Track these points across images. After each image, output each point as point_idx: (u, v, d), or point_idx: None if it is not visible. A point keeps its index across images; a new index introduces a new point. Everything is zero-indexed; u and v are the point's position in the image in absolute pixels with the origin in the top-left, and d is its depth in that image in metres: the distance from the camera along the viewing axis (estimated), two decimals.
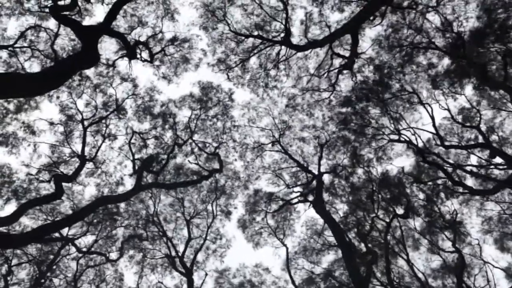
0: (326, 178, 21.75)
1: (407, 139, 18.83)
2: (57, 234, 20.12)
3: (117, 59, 17.85)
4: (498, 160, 17.92)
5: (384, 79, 17.79)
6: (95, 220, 21.44)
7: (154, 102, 20.14)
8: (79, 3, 14.65)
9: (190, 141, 20.92)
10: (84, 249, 21.69)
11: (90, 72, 18.73)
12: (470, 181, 20.34)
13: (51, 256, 21.55)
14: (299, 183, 22.32)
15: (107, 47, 17.82)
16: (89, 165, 20.05)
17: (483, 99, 18.42)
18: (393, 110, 18.79)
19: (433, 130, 18.40)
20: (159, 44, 18.06)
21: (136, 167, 19.42)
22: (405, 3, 16.35)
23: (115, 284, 23.11)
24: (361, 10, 15.15)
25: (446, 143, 18.84)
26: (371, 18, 16.05)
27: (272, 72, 18.85)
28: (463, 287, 17.84)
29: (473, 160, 19.63)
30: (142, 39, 17.17)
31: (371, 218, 20.01)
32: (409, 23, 16.84)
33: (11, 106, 18.72)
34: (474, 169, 19.23)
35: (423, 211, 19.70)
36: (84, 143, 18.43)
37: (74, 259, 22.19)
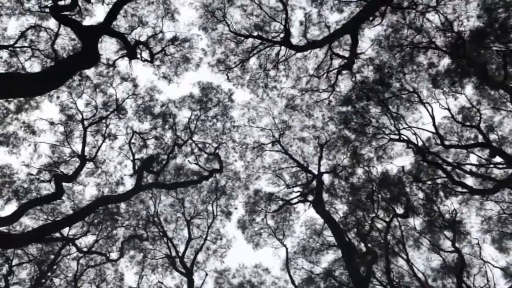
0: (326, 178, 21.82)
1: (407, 139, 18.84)
2: (57, 234, 20.16)
3: (117, 59, 17.91)
4: (498, 159, 17.95)
5: (384, 78, 17.81)
6: (95, 220, 21.47)
7: (154, 102, 20.19)
8: (79, 3, 14.69)
9: (190, 141, 20.95)
10: (85, 249, 21.72)
11: (90, 72, 18.80)
12: (470, 181, 20.40)
13: (52, 256, 21.58)
14: (299, 183, 22.36)
15: (107, 47, 17.89)
16: (89, 165, 20.11)
17: (483, 99, 18.42)
18: (393, 109, 18.81)
19: (433, 130, 18.46)
20: (159, 44, 18.10)
21: (136, 167, 19.44)
22: (405, 3, 16.37)
23: (116, 284, 23.14)
24: (360, 11, 15.17)
25: (446, 143, 18.85)
26: (371, 18, 16.07)
27: (272, 73, 18.93)
28: (462, 287, 17.83)
29: (473, 159, 19.65)
30: (143, 39, 17.22)
31: (371, 218, 20.02)
32: (409, 23, 16.86)
33: (12, 106, 18.77)
34: (474, 168, 19.25)
35: (422, 211, 19.70)
36: (84, 143, 18.47)
37: (74, 259, 22.22)
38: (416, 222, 20.72)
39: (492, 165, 18.57)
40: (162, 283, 23.27)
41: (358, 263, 17.45)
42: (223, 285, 24.18)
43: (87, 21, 16.75)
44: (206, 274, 23.31)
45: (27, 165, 19.49)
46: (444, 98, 18.34)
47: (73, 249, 21.76)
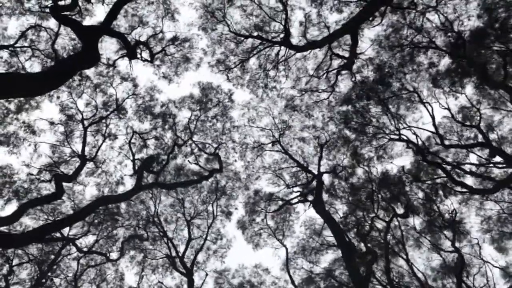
0: (326, 178, 21.83)
1: (407, 139, 18.85)
2: (58, 234, 20.19)
3: (117, 59, 17.93)
4: (497, 159, 17.96)
5: (384, 78, 17.81)
6: (96, 220, 21.49)
7: (154, 102, 20.20)
8: (80, 3, 14.71)
9: (190, 141, 20.96)
10: (85, 249, 21.74)
11: (90, 72, 18.81)
12: (469, 181, 20.39)
13: (52, 256, 21.59)
14: (299, 183, 22.36)
15: (108, 46, 17.91)
16: (90, 165, 20.12)
17: (483, 98, 18.44)
18: (394, 109, 18.82)
19: (433, 129, 18.47)
20: (159, 44, 18.12)
21: (136, 167, 19.45)
22: (405, 3, 16.38)
23: (116, 284, 23.16)
24: (360, 11, 15.17)
25: (446, 142, 18.86)
26: (371, 18, 16.07)
27: (272, 73, 18.93)
28: (462, 287, 17.84)
29: (473, 158, 19.63)
30: (143, 39, 17.23)
31: (371, 218, 20.03)
32: (409, 23, 16.88)
33: (12, 106, 18.78)
34: (474, 168, 19.25)
35: (422, 210, 19.70)
36: (84, 142, 18.49)
37: (75, 259, 22.24)
38: (416, 222, 20.74)
39: (491, 165, 18.57)
40: (162, 283, 23.30)
41: (358, 263, 17.46)
42: (223, 285, 24.20)
43: (87, 21, 16.79)
44: (206, 274, 23.36)
45: (27, 165, 19.51)
46: (444, 98, 18.39)
47: (74, 249, 21.79)
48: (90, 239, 22.12)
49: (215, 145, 21.28)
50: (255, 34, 17.14)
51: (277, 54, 17.91)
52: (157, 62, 18.39)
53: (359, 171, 20.92)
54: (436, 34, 16.93)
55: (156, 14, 17.49)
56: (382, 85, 17.95)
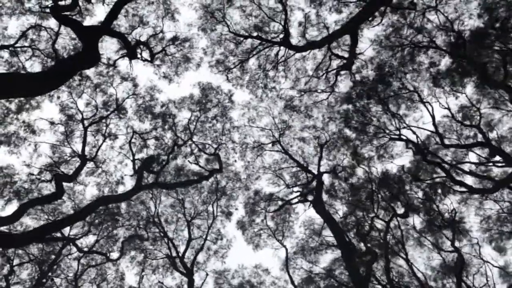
0: (326, 178, 21.84)
1: (407, 138, 18.86)
2: (58, 234, 20.21)
3: (117, 58, 17.93)
4: (497, 158, 17.95)
5: (384, 77, 17.83)
6: (96, 220, 21.50)
7: (154, 102, 20.20)
8: (80, 3, 14.73)
9: (190, 142, 20.97)
10: (85, 249, 21.76)
11: (90, 71, 18.82)
12: (469, 181, 20.38)
13: (53, 256, 21.61)
14: (299, 183, 22.36)
15: (108, 46, 17.92)
16: (90, 165, 20.12)
17: (484, 98, 18.45)
18: (394, 108, 18.83)
19: (433, 129, 18.48)
20: (159, 44, 18.13)
21: (137, 167, 19.46)
22: (405, 3, 16.39)
23: (116, 284, 23.18)
24: (360, 11, 15.18)
25: (446, 142, 18.86)
26: (370, 18, 16.08)
27: (271, 73, 18.94)
28: (462, 287, 17.85)
29: (472, 157, 19.63)
30: (143, 38, 17.23)
31: (371, 218, 20.05)
32: (410, 22, 16.89)
33: (13, 106, 18.81)
34: (473, 167, 19.26)
35: (422, 209, 19.72)
36: (84, 142, 18.50)
37: (75, 259, 22.26)
38: (416, 221, 20.77)
39: (491, 164, 18.58)
40: (162, 283, 23.31)
41: (358, 263, 17.48)
42: (223, 286, 24.18)
43: (88, 21, 16.82)
44: (207, 274, 23.36)
45: (27, 165, 19.53)
46: (444, 97, 18.39)
47: (74, 249, 21.79)
48: (91, 239, 22.17)
49: (215, 146, 21.30)
50: (255, 34, 17.15)
51: (277, 54, 17.93)
52: (157, 62, 18.41)
53: (359, 171, 20.97)
54: (436, 34, 16.95)
55: (156, 14, 17.52)
56: (382, 84, 17.96)
